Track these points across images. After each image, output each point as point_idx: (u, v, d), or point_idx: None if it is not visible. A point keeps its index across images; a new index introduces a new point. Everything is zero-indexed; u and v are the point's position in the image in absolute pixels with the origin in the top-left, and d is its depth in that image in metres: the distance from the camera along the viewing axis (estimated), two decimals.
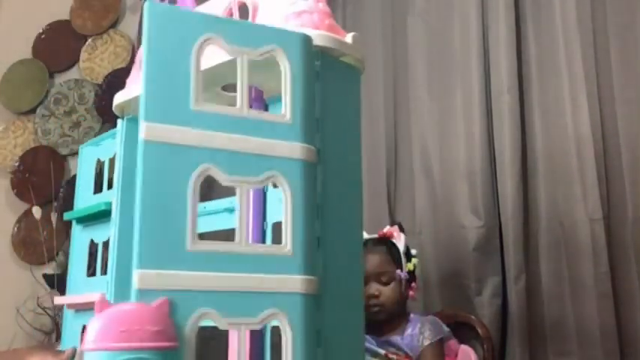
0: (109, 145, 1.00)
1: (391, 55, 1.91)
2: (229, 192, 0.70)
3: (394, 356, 1.32)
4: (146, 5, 0.64)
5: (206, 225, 0.89)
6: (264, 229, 0.79)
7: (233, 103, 0.66)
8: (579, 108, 1.57)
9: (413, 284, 1.41)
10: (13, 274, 2.28)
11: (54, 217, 2.19)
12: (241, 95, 0.66)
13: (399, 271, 1.38)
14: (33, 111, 2.46)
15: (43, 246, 2.20)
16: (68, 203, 2.24)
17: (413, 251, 1.43)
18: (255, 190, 0.77)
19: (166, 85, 0.63)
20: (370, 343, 1.36)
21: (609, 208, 1.53)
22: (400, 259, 1.39)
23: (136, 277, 0.58)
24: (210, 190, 0.73)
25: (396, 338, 1.36)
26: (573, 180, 1.56)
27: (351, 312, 0.74)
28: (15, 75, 2.50)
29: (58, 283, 2.09)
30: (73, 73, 2.47)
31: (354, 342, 0.74)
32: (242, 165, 0.64)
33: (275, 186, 0.69)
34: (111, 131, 0.99)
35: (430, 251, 1.70)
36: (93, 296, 0.86)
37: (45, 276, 2.17)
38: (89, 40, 2.45)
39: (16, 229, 2.36)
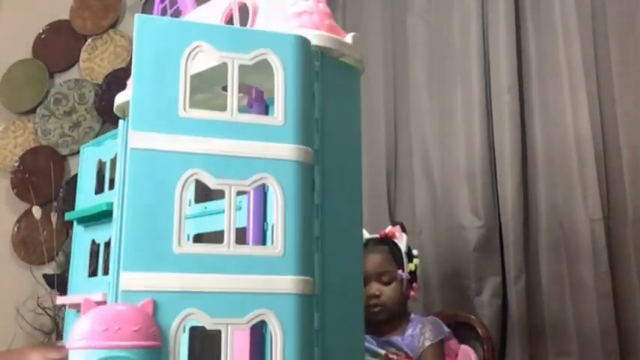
0: (111, 146, 1.00)
1: (391, 55, 1.91)
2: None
3: (394, 356, 1.32)
4: (136, 18, 0.66)
5: (207, 225, 0.89)
6: (265, 230, 0.79)
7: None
8: (579, 108, 1.57)
9: (414, 284, 1.41)
10: (13, 274, 2.28)
11: (54, 217, 2.19)
12: (231, 100, 0.67)
13: (400, 271, 1.38)
14: (33, 111, 2.46)
15: (43, 246, 2.20)
16: (68, 203, 2.25)
17: (414, 251, 1.43)
18: (256, 191, 0.77)
19: (155, 94, 0.65)
20: (370, 343, 1.36)
21: (609, 209, 1.53)
22: (402, 259, 1.39)
23: (122, 279, 0.60)
24: (210, 191, 0.73)
25: (396, 338, 1.36)
26: (573, 180, 1.56)
27: (351, 312, 0.74)
28: (15, 75, 2.50)
29: (58, 283, 2.10)
30: (73, 73, 2.47)
31: (354, 342, 0.74)
32: (231, 168, 0.65)
33: (266, 188, 0.69)
34: (112, 131, 0.99)
35: (430, 251, 1.70)
36: (94, 296, 0.86)
37: (45, 276, 2.17)
38: (89, 40, 2.45)
39: (16, 229, 2.36)
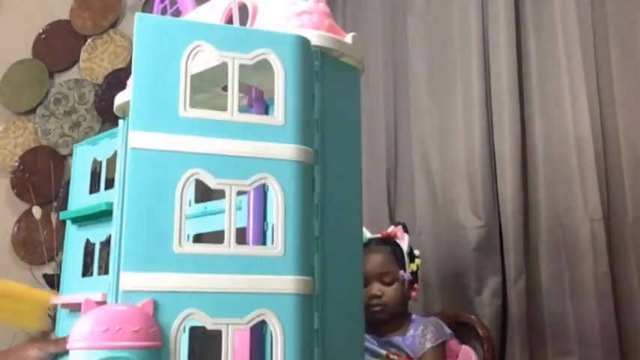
0: (107, 145, 1.00)
1: (391, 55, 1.91)
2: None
3: (395, 357, 1.32)
4: (136, 18, 0.66)
5: (207, 225, 0.89)
6: (265, 230, 0.79)
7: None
8: (579, 108, 1.57)
9: (415, 285, 1.41)
10: (13, 274, 2.28)
11: (54, 217, 2.19)
12: (232, 99, 0.67)
13: (402, 271, 1.37)
14: (33, 111, 2.46)
15: (43, 246, 2.20)
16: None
17: (416, 252, 1.43)
18: (256, 191, 0.77)
19: (155, 94, 0.64)
20: (371, 344, 1.36)
21: (609, 208, 1.53)
22: (404, 259, 1.39)
23: (123, 278, 0.60)
24: (211, 190, 0.73)
25: (397, 339, 1.36)
26: (573, 180, 1.56)
27: (351, 312, 0.74)
28: (15, 75, 2.50)
29: (58, 283, 2.09)
30: (73, 73, 2.47)
31: (354, 342, 0.74)
32: (231, 168, 0.65)
33: (266, 188, 0.69)
34: (108, 131, 0.99)
35: (430, 251, 1.70)
36: (94, 296, 0.86)
37: (45, 276, 2.17)
38: (89, 40, 2.45)
39: (16, 229, 2.36)
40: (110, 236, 0.87)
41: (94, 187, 1.02)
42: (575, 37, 1.59)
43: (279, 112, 0.69)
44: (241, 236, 0.74)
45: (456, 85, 1.75)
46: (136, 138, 0.63)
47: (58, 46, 2.49)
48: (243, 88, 0.82)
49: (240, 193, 0.67)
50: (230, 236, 0.64)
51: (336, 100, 0.76)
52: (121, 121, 0.92)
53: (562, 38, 1.62)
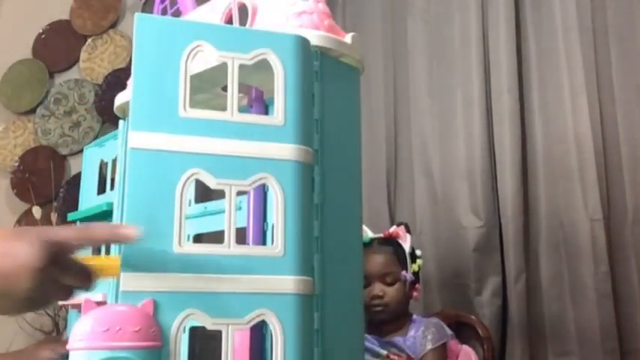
0: (112, 146, 1.01)
1: (391, 55, 1.91)
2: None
3: (395, 357, 1.32)
4: (135, 18, 0.65)
5: (207, 225, 0.89)
6: (265, 230, 0.79)
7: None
8: (579, 108, 1.57)
9: (417, 285, 1.41)
10: None
11: (54, 217, 2.19)
12: (231, 100, 0.67)
13: (404, 272, 1.37)
14: (33, 111, 2.46)
15: None
16: (68, 203, 2.25)
17: (417, 252, 1.43)
18: (256, 192, 0.78)
19: (155, 94, 0.64)
20: (372, 344, 1.36)
21: (609, 209, 1.53)
22: (405, 260, 1.39)
23: (123, 279, 0.60)
24: (211, 191, 0.73)
25: (398, 339, 1.36)
26: (573, 180, 1.56)
27: (351, 313, 0.74)
28: (15, 75, 2.50)
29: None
30: (73, 73, 2.47)
31: (354, 342, 0.74)
32: (231, 168, 0.65)
33: (266, 188, 0.69)
34: (114, 132, 0.99)
35: (430, 251, 1.70)
36: (94, 296, 0.87)
37: None
38: (89, 40, 2.45)
39: None
40: None
41: (101, 188, 1.03)
42: (575, 37, 1.59)
43: (279, 112, 0.69)
44: (241, 236, 0.74)
45: (456, 85, 1.75)
46: (136, 138, 0.63)
47: (58, 46, 2.49)
48: (243, 88, 0.82)
49: (240, 193, 0.67)
50: (230, 236, 0.64)
51: (335, 100, 0.76)
52: (121, 122, 0.92)
53: (562, 38, 1.62)
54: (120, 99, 0.91)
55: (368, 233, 1.42)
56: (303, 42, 0.71)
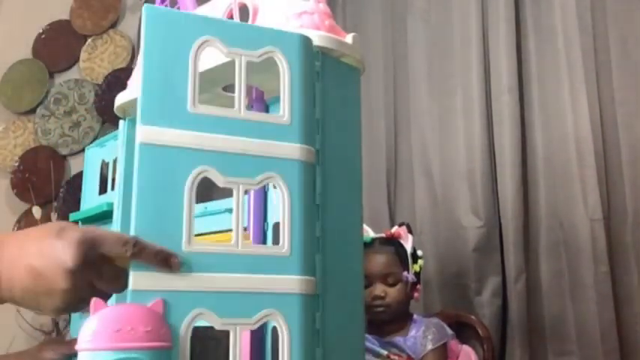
0: (114, 147, 1.00)
1: (391, 55, 1.91)
2: (230, 193, 0.70)
3: (396, 357, 1.32)
4: (144, 8, 0.64)
5: (207, 225, 0.89)
6: (265, 230, 0.79)
7: (233, 104, 0.66)
8: (579, 108, 1.57)
9: (418, 286, 1.41)
10: None
11: (54, 217, 2.18)
12: (239, 97, 0.67)
13: (405, 272, 1.37)
14: (33, 111, 2.46)
15: None
16: (68, 203, 2.25)
17: (419, 252, 1.43)
18: (256, 191, 0.77)
19: (164, 88, 0.63)
20: (372, 344, 1.36)
21: (609, 209, 1.53)
22: (407, 260, 1.38)
23: (132, 278, 0.59)
24: (211, 190, 0.73)
25: (399, 339, 1.36)
26: (573, 180, 1.56)
27: (351, 313, 0.74)
28: (15, 75, 2.50)
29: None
30: (73, 73, 2.47)
31: (354, 342, 0.74)
32: (239, 166, 0.65)
33: (275, 187, 0.69)
34: (115, 132, 0.99)
35: (430, 251, 1.70)
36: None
37: None
38: (89, 40, 2.45)
39: (16, 229, 2.36)
40: None
41: (102, 189, 1.03)
42: (575, 37, 1.60)
43: (286, 112, 0.68)
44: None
45: (456, 85, 1.76)
46: (145, 132, 0.62)
47: (58, 46, 2.49)
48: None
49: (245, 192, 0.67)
50: (238, 235, 0.64)
51: (336, 100, 0.76)
52: (121, 122, 0.92)
53: (562, 38, 1.62)
54: (120, 99, 0.91)
55: (369, 233, 1.42)
56: (307, 41, 0.71)
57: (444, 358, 1.35)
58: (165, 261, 0.59)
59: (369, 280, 1.37)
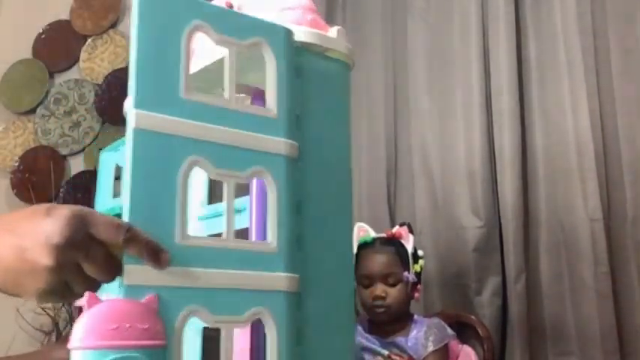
0: None
1: (391, 55, 1.91)
2: (238, 193, 0.70)
3: (397, 357, 1.32)
4: None
5: (216, 227, 0.88)
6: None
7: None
8: (579, 108, 1.57)
9: (418, 286, 1.41)
10: None
11: None
12: (229, 86, 0.65)
13: (406, 273, 1.37)
14: (33, 111, 2.46)
15: None
16: (68, 203, 2.24)
17: (420, 252, 1.43)
18: (259, 188, 0.76)
19: (156, 73, 0.61)
20: (373, 344, 1.36)
21: (609, 208, 1.53)
22: (408, 260, 1.38)
23: (126, 272, 0.56)
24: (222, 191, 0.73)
25: (400, 339, 1.36)
26: (573, 180, 1.56)
27: (336, 311, 0.71)
28: (15, 75, 2.50)
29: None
30: (73, 73, 2.47)
31: (340, 342, 0.71)
32: (230, 158, 0.63)
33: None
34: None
35: (430, 251, 1.70)
36: (108, 297, 0.86)
37: None
38: (89, 40, 2.45)
39: None
40: None
41: (116, 192, 1.03)
42: (575, 38, 1.60)
43: (273, 105, 0.67)
44: (245, 237, 0.73)
45: (456, 85, 1.76)
46: (139, 117, 0.59)
47: (58, 46, 2.49)
48: (243, 88, 0.82)
49: (240, 193, 0.66)
50: (230, 229, 0.63)
51: (320, 95, 0.74)
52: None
53: (562, 38, 1.62)
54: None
55: (370, 233, 1.42)
56: (291, 35, 0.71)
57: (445, 359, 1.35)
58: (155, 254, 0.56)
59: (369, 280, 1.37)
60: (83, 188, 2.22)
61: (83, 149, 2.35)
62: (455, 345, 1.40)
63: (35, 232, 0.53)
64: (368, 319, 1.43)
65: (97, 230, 0.55)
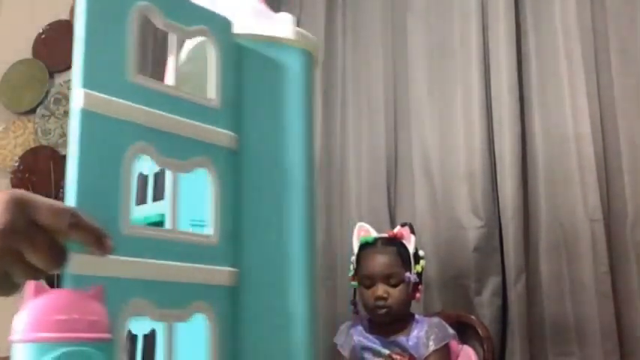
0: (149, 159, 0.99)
1: (391, 55, 1.91)
2: None
3: (398, 357, 1.32)
4: None
5: None
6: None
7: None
8: (579, 108, 1.57)
9: (419, 286, 1.40)
10: None
11: None
12: (173, 71, 0.65)
13: (408, 273, 1.37)
14: (33, 111, 2.45)
15: None
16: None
17: (421, 252, 1.43)
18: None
19: (102, 53, 0.59)
20: (374, 343, 1.36)
21: (609, 209, 1.53)
22: (409, 260, 1.38)
23: (70, 260, 0.53)
24: None
25: (401, 339, 1.36)
26: (573, 180, 1.56)
27: (278, 307, 0.69)
28: (15, 75, 2.50)
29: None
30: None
31: (281, 340, 0.69)
32: (174, 147, 0.62)
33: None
34: None
35: (430, 251, 1.70)
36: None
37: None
38: None
39: None
40: None
41: (141, 200, 1.02)
42: (575, 37, 1.60)
43: (214, 94, 0.66)
44: None
45: (456, 85, 1.75)
46: (86, 97, 0.56)
47: (58, 46, 2.48)
48: None
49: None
50: (174, 220, 0.62)
51: (268, 87, 0.72)
52: None
53: (562, 38, 1.62)
54: None
55: (372, 233, 1.42)
56: (229, 25, 0.70)
57: (446, 359, 1.35)
58: (99, 240, 0.52)
59: (371, 281, 1.37)
60: None
61: None
62: (455, 345, 1.40)
63: None
64: (368, 318, 1.43)
65: (39, 215, 0.51)
